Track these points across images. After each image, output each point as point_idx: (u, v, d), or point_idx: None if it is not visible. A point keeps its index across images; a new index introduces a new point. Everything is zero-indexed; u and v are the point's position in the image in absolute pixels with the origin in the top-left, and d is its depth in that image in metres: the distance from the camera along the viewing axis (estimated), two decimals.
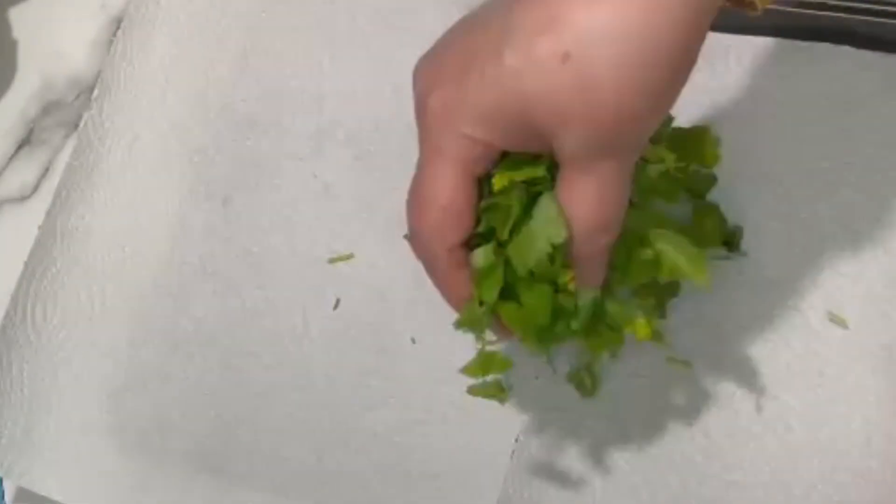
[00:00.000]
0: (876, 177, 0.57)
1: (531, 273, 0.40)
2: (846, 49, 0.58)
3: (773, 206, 0.57)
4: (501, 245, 0.41)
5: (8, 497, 0.56)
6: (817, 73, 0.58)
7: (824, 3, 0.60)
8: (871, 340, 0.54)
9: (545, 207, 0.39)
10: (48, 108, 0.63)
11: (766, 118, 0.58)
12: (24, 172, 0.62)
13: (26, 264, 0.56)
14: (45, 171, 0.62)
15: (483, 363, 0.44)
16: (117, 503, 0.54)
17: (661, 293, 0.55)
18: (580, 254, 0.40)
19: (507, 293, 0.41)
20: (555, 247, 0.39)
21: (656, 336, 0.47)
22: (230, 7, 0.61)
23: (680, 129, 0.57)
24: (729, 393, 0.54)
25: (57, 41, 0.63)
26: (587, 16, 0.36)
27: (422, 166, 0.40)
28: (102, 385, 0.56)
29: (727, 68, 0.59)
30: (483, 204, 0.40)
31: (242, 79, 0.60)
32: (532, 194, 0.40)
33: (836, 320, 0.54)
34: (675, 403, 0.54)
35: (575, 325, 0.42)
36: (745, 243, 0.56)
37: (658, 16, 0.36)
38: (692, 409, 0.54)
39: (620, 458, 0.54)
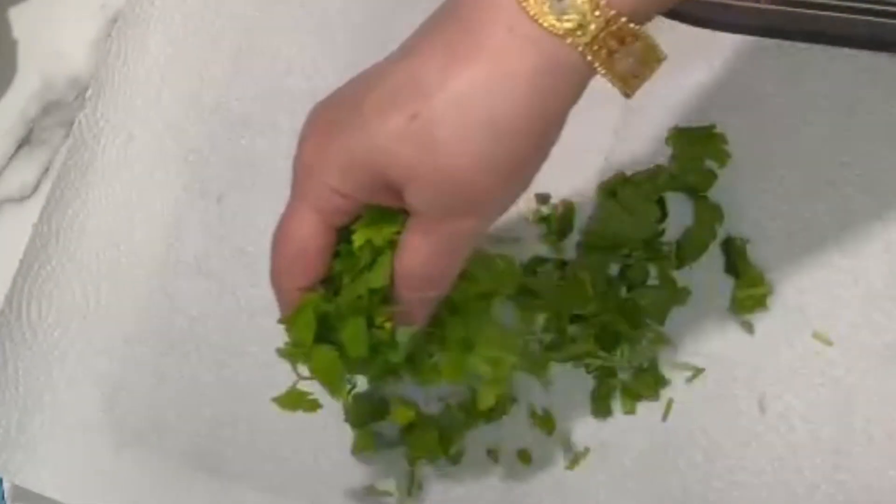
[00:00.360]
0: (876, 176, 0.57)
1: (349, 309, 0.43)
2: (846, 50, 0.58)
3: (773, 205, 0.57)
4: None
5: (7, 497, 0.56)
6: (817, 74, 0.58)
7: (824, 4, 0.60)
8: (872, 339, 0.54)
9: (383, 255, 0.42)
10: (48, 108, 0.63)
11: (766, 118, 0.58)
12: (24, 172, 0.62)
13: (21, 262, 0.56)
14: (45, 171, 0.62)
15: (293, 399, 0.47)
16: (113, 501, 0.54)
17: (665, 301, 0.55)
18: (400, 298, 0.42)
19: (328, 336, 0.43)
20: (371, 290, 0.42)
21: (500, 405, 0.52)
22: (225, 6, 0.61)
23: (687, 129, 0.58)
24: (731, 393, 0.54)
25: (57, 41, 0.64)
26: (439, 81, 0.37)
27: (288, 207, 0.42)
28: (97, 383, 0.56)
29: (727, 68, 0.59)
30: (339, 249, 0.43)
31: (237, 78, 0.60)
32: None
33: (821, 338, 0.54)
34: (676, 404, 0.54)
35: (394, 357, 0.43)
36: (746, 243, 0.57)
37: (502, 96, 0.37)
38: (694, 410, 0.54)
39: (623, 459, 0.53)
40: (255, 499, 0.54)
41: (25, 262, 0.56)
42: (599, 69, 0.38)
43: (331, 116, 0.41)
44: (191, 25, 0.61)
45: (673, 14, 0.59)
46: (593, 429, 0.54)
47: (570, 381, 0.55)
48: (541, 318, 0.56)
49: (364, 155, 0.39)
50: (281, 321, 0.44)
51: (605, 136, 0.58)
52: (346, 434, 0.55)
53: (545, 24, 0.37)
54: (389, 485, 0.54)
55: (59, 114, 0.63)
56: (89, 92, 0.59)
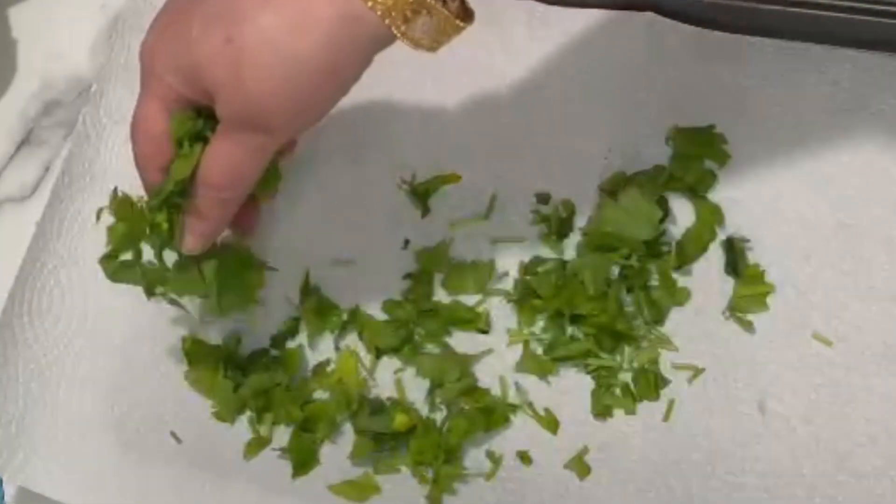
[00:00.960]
0: (877, 176, 0.57)
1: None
2: (846, 50, 0.58)
3: (773, 205, 0.57)
4: None
5: (8, 496, 0.56)
6: (817, 74, 0.58)
7: (824, 4, 0.60)
8: (872, 339, 0.54)
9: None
10: (48, 108, 0.63)
11: (766, 118, 0.58)
12: (24, 172, 0.62)
13: (24, 260, 0.56)
14: (45, 171, 0.62)
15: (355, 488, 0.54)
16: (113, 500, 0.54)
17: (665, 301, 0.55)
18: (196, 193, 0.48)
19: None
20: (175, 181, 0.48)
21: (501, 415, 0.54)
22: None
23: (687, 129, 0.57)
24: (731, 393, 0.54)
25: (57, 41, 0.64)
26: (255, 14, 0.43)
27: (138, 102, 0.48)
28: (99, 382, 0.56)
29: (727, 68, 0.59)
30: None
31: None
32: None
33: (821, 339, 0.54)
34: (677, 405, 0.54)
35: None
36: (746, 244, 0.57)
37: (305, 37, 0.43)
38: (694, 411, 0.54)
39: (624, 460, 0.53)
40: (255, 499, 0.54)
41: (27, 261, 0.56)
42: (395, 32, 0.44)
43: (171, 19, 0.47)
44: None
45: (674, 14, 0.59)
46: (593, 429, 0.54)
47: (570, 381, 0.55)
48: (541, 318, 0.56)
49: (187, 63, 0.45)
50: (149, 200, 0.49)
51: (605, 136, 0.58)
52: (347, 435, 0.55)
53: None
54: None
55: (59, 114, 0.63)
56: (93, 88, 0.59)
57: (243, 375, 0.55)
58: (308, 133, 0.60)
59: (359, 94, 0.60)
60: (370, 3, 0.43)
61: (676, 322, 0.55)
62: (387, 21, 0.43)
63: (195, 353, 0.56)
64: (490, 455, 0.54)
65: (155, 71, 0.46)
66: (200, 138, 0.48)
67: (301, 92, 0.44)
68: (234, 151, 0.47)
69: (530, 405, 0.55)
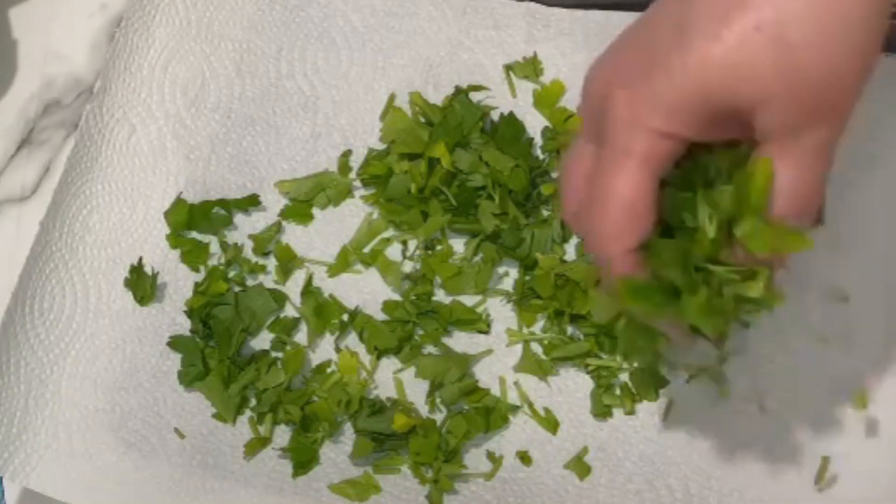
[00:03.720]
0: (877, 175, 0.57)
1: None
2: None
3: None
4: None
5: (8, 496, 0.56)
6: None
7: None
8: (873, 338, 0.54)
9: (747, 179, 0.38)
10: (48, 108, 0.63)
11: None
12: (24, 172, 0.62)
13: (27, 260, 0.56)
14: (45, 171, 0.62)
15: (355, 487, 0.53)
16: (113, 500, 0.54)
17: None
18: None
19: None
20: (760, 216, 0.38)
21: (502, 414, 0.54)
22: (227, 7, 0.61)
23: None
24: (731, 394, 0.54)
25: (57, 41, 0.64)
26: None
27: (604, 167, 0.39)
28: (100, 382, 0.56)
29: None
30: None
31: (238, 78, 0.60)
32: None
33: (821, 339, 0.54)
34: (676, 405, 0.54)
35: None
36: None
37: None
38: (693, 411, 0.54)
39: (623, 460, 0.54)
40: (255, 499, 0.54)
41: (30, 261, 0.56)
42: None
43: (638, 61, 0.38)
44: (193, 24, 0.61)
45: None
46: (593, 429, 0.54)
47: (570, 381, 0.55)
48: (541, 318, 0.56)
49: (703, 85, 0.36)
50: (614, 289, 0.41)
51: None
52: (347, 435, 0.55)
53: None
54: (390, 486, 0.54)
55: (59, 114, 0.63)
56: (96, 87, 0.59)
57: (244, 376, 0.55)
58: (304, 133, 0.60)
59: (359, 95, 0.60)
60: None
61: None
62: None
63: (193, 354, 0.56)
64: (490, 455, 0.54)
65: (638, 127, 0.38)
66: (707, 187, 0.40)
67: (857, 54, 0.36)
68: (803, 162, 0.37)
69: (530, 405, 0.55)
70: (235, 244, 0.58)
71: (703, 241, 0.39)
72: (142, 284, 0.57)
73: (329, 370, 0.56)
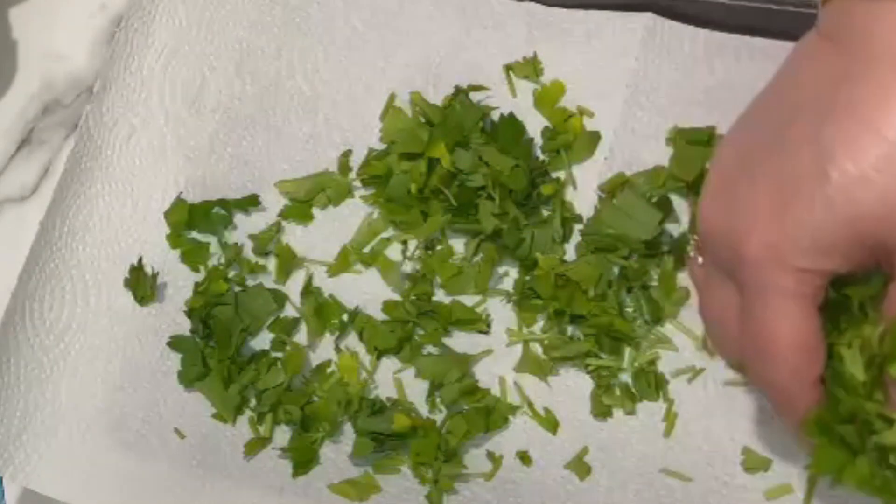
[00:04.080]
0: None
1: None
2: None
3: None
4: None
5: (8, 496, 0.56)
6: None
7: None
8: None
9: None
10: (48, 108, 0.63)
11: None
12: (24, 172, 0.62)
13: (27, 260, 0.56)
14: (45, 171, 0.62)
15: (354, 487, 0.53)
16: (113, 500, 0.54)
17: (665, 301, 0.55)
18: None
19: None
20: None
21: (501, 415, 0.54)
22: (227, 7, 0.61)
23: (687, 129, 0.57)
24: (731, 393, 0.54)
25: (57, 41, 0.64)
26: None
27: (758, 310, 0.38)
28: (100, 382, 0.56)
29: (727, 68, 0.59)
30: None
31: (238, 78, 0.60)
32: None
33: None
34: (676, 405, 0.54)
35: None
36: None
37: None
38: (694, 411, 0.54)
39: (623, 460, 0.54)
40: (255, 498, 0.54)
41: (30, 261, 0.56)
42: None
43: (768, 198, 0.37)
44: (193, 24, 0.61)
45: (674, 15, 0.59)
46: (593, 429, 0.54)
47: (570, 381, 0.55)
48: (541, 318, 0.56)
49: (847, 220, 0.35)
50: (803, 431, 0.39)
51: (605, 137, 0.58)
52: (347, 435, 0.55)
53: None
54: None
55: (59, 114, 0.63)
56: (96, 87, 0.59)
57: (244, 376, 0.55)
58: (304, 133, 0.60)
59: (359, 95, 0.60)
60: None
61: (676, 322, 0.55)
62: None
63: (193, 354, 0.56)
64: (490, 455, 0.54)
65: (782, 266, 0.36)
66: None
67: None
68: None
69: (530, 405, 0.55)
70: (235, 244, 0.58)
71: (854, 385, 0.38)
72: (142, 284, 0.57)
73: (329, 370, 0.56)
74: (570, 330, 0.56)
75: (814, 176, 0.36)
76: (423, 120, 0.59)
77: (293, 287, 0.58)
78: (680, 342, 0.55)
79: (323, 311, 0.57)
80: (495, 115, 0.58)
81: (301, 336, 0.57)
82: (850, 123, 0.36)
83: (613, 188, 0.57)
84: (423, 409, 0.55)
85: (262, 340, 0.57)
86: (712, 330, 0.41)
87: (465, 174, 0.57)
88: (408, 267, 0.58)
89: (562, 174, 0.58)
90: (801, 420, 0.39)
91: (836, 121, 0.36)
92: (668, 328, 0.55)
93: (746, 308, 0.39)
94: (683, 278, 0.56)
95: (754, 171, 0.38)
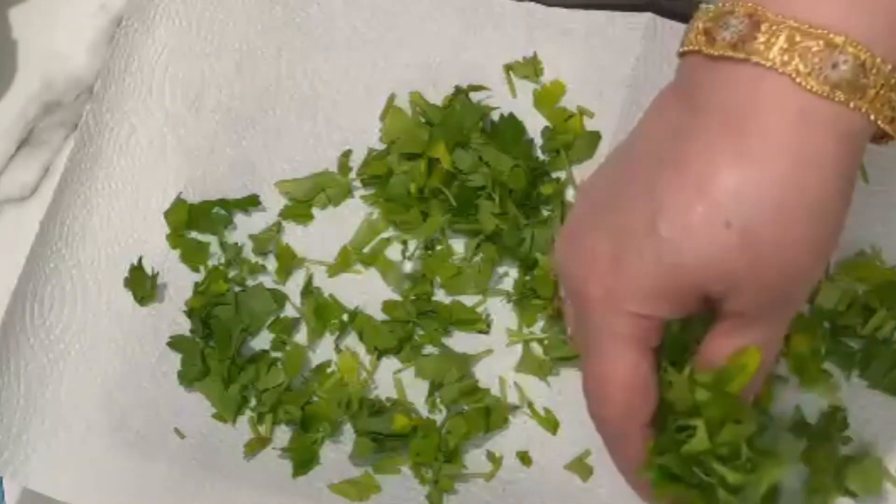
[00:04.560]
0: (878, 175, 0.57)
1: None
2: None
3: None
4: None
5: (8, 496, 0.56)
6: None
7: None
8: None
9: None
10: (48, 109, 0.63)
11: None
12: (24, 172, 0.62)
13: (27, 260, 0.56)
14: (45, 171, 0.62)
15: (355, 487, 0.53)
16: (113, 500, 0.54)
17: None
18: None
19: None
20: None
21: (501, 415, 0.54)
22: (227, 6, 0.61)
23: None
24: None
25: (57, 41, 0.64)
26: (738, 180, 0.37)
27: (594, 351, 0.41)
28: (100, 382, 0.56)
29: None
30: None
31: (238, 78, 0.60)
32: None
33: None
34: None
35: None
36: None
37: (812, 173, 0.37)
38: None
39: None
40: (255, 498, 0.54)
41: (30, 261, 0.56)
42: (885, 126, 0.38)
43: (608, 247, 0.39)
44: (193, 24, 0.61)
45: (674, 15, 0.59)
46: (593, 429, 0.54)
47: (570, 381, 0.55)
48: (541, 319, 0.56)
49: (674, 274, 0.38)
50: (637, 474, 0.42)
51: (605, 137, 0.58)
52: (347, 436, 0.55)
53: (829, 96, 0.36)
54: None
55: (59, 114, 0.63)
56: (96, 87, 0.59)
57: (244, 376, 0.55)
58: (303, 133, 0.60)
59: (359, 95, 0.60)
60: (851, 104, 0.37)
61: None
62: (872, 117, 0.37)
63: (193, 354, 0.56)
64: (490, 455, 0.54)
65: (615, 311, 0.39)
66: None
67: (824, 239, 0.38)
68: (764, 339, 0.40)
69: (530, 405, 0.55)
70: (235, 244, 0.58)
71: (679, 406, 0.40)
72: (142, 284, 0.57)
73: (329, 370, 0.56)
74: (570, 330, 0.56)
75: (645, 227, 0.38)
76: (423, 120, 0.59)
77: (293, 287, 0.58)
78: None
79: (323, 311, 0.57)
80: (495, 115, 0.58)
81: (301, 336, 0.57)
82: (678, 179, 0.38)
83: None
84: (423, 409, 0.55)
85: (262, 340, 0.57)
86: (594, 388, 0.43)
87: (465, 174, 0.57)
88: (408, 267, 0.58)
89: (562, 174, 0.58)
90: (632, 462, 0.42)
91: (667, 176, 0.38)
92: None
93: (586, 348, 0.41)
94: None
95: (599, 220, 0.41)
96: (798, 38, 0.36)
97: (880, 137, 0.39)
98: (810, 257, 0.38)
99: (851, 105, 0.37)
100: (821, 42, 0.36)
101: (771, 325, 0.40)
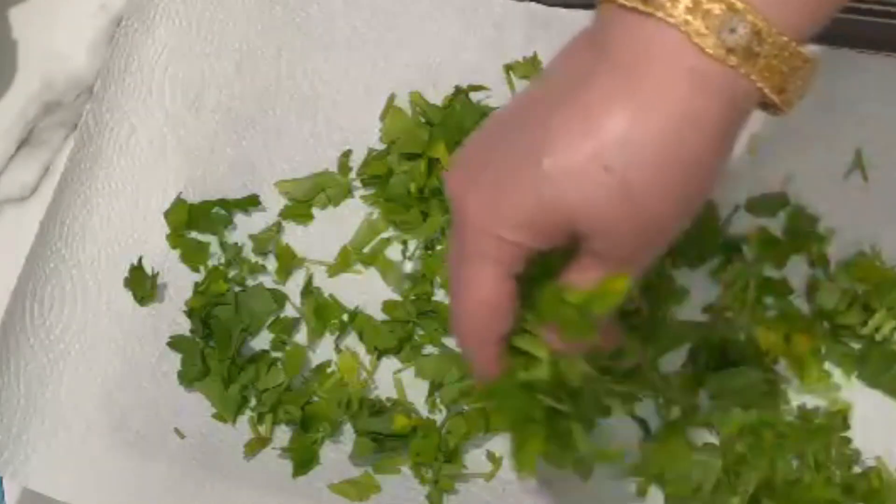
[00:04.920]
0: (879, 175, 0.57)
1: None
2: (846, 50, 0.58)
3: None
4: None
5: (8, 496, 0.56)
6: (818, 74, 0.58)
7: None
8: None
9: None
10: (48, 108, 0.63)
11: (764, 118, 0.58)
12: (24, 172, 0.62)
13: (27, 260, 0.56)
14: (45, 171, 0.62)
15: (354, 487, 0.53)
16: (113, 500, 0.54)
17: (664, 301, 0.55)
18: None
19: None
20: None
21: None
22: (227, 6, 0.61)
23: None
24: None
25: (57, 41, 0.64)
26: (627, 128, 0.38)
27: (463, 266, 0.42)
28: (99, 382, 0.56)
29: None
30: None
31: (238, 78, 0.60)
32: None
33: None
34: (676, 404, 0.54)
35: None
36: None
37: (693, 139, 0.38)
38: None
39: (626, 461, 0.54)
40: (255, 498, 0.54)
41: (29, 261, 0.56)
42: (772, 96, 0.39)
43: (493, 168, 0.41)
44: (193, 24, 0.61)
45: None
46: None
47: None
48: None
49: (548, 207, 0.39)
50: (482, 386, 0.44)
51: None
52: (347, 436, 0.55)
53: (722, 59, 0.38)
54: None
55: (59, 114, 0.63)
56: (96, 87, 0.59)
57: (244, 376, 0.55)
58: (303, 133, 0.60)
59: (359, 95, 0.60)
60: (742, 70, 0.38)
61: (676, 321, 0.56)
62: (759, 84, 0.38)
63: (193, 354, 0.56)
64: (490, 455, 0.54)
65: (489, 235, 0.41)
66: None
67: (696, 194, 0.40)
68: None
69: None
70: (235, 244, 0.58)
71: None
72: (142, 284, 0.57)
73: (329, 370, 0.56)
74: None
75: (531, 159, 0.39)
76: (423, 120, 0.59)
77: (293, 287, 0.58)
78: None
79: (323, 311, 0.57)
80: None
81: (301, 336, 0.57)
82: (571, 119, 0.39)
83: None
84: (423, 409, 0.55)
85: (262, 340, 0.57)
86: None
87: None
88: (408, 267, 0.58)
89: None
90: (483, 377, 0.44)
91: (563, 114, 0.39)
92: (667, 328, 0.55)
93: (454, 264, 0.43)
94: (683, 278, 0.56)
95: (493, 146, 0.42)
96: (703, 0, 0.38)
97: (770, 107, 0.41)
98: (678, 211, 0.40)
99: (742, 71, 0.38)
100: (723, 6, 0.38)
101: (628, 268, 0.41)
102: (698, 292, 0.56)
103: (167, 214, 0.58)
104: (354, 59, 0.61)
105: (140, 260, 0.57)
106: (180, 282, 0.58)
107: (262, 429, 0.55)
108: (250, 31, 0.61)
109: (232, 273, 0.58)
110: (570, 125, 0.39)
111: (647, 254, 0.41)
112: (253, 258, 0.58)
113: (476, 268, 0.41)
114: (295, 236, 0.59)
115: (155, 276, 0.57)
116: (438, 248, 0.57)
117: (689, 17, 0.38)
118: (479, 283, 0.41)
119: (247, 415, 0.56)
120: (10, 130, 0.63)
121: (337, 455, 0.55)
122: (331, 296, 0.57)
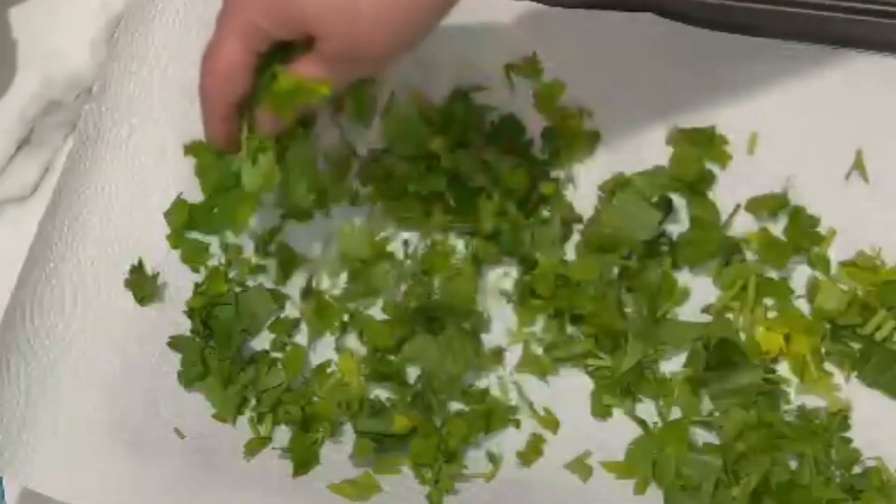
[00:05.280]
0: (880, 175, 0.57)
1: None
2: (845, 50, 0.59)
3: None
4: None
5: (8, 496, 0.56)
6: (817, 74, 0.59)
7: (824, 4, 0.60)
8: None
9: None
10: (48, 108, 0.63)
11: (766, 119, 0.58)
12: (24, 172, 0.62)
13: (26, 260, 0.56)
14: (45, 171, 0.62)
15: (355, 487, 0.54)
16: (113, 500, 0.54)
17: (664, 301, 0.55)
18: None
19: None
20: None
21: (502, 417, 0.55)
22: None
23: (687, 129, 0.58)
24: None
25: (57, 41, 0.64)
26: None
27: (216, 36, 0.50)
28: (99, 382, 0.56)
29: (727, 69, 0.59)
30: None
31: None
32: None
33: None
34: (676, 404, 0.54)
35: None
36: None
37: None
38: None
39: (623, 460, 0.54)
40: (255, 498, 0.54)
41: (29, 261, 0.56)
42: None
43: None
44: (193, 24, 0.61)
45: (674, 15, 0.59)
46: (593, 429, 0.54)
47: (570, 381, 0.55)
48: (541, 318, 0.56)
49: (288, 8, 0.47)
50: (209, 142, 0.53)
51: (605, 137, 0.58)
52: (347, 436, 0.55)
53: None
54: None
55: (59, 114, 0.63)
56: (95, 87, 0.59)
57: (244, 376, 0.55)
58: None
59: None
60: None
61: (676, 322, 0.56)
62: None
63: (193, 354, 0.56)
64: (490, 455, 0.54)
65: (242, 12, 0.49)
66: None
67: (411, 28, 0.47)
68: (332, 75, 0.49)
69: (530, 405, 0.55)
70: (235, 244, 0.58)
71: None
72: (142, 284, 0.57)
73: (329, 370, 0.56)
74: (569, 330, 0.56)
75: None
76: (423, 120, 0.59)
77: (293, 287, 0.58)
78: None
79: (323, 311, 0.57)
80: (495, 116, 0.58)
81: (301, 336, 0.57)
82: None
83: (613, 188, 0.57)
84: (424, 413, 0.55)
85: (262, 340, 0.57)
86: None
87: (465, 174, 0.57)
88: (408, 267, 0.58)
89: (562, 174, 0.58)
90: (213, 132, 0.53)
91: None
92: (668, 328, 0.55)
93: (214, 35, 0.50)
94: (683, 278, 0.56)
95: None
96: None
97: None
98: (398, 32, 0.47)
99: None
100: None
101: (336, 75, 0.49)
102: (698, 292, 0.56)
103: (167, 214, 0.58)
104: None
105: (140, 260, 0.57)
106: (180, 282, 0.58)
107: (262, 429, 0.55)
108: None
109: (232, 273, 0.58)
110: None
111: (355, 69, 0.50)
112: (253, 258, 0.58)
113: (228, 38, 0.49)
114: (295, 236, 0.59)
115: (155, 276, 0.57)
116: (439, 247, 0.57)
117: None
118: (227, 49, 0.49)
119: (247, 415, 0.56)
120: (10, 130, 0.63)
121: (337, 455, 0.55)
122: (331, 296, 0.57)
